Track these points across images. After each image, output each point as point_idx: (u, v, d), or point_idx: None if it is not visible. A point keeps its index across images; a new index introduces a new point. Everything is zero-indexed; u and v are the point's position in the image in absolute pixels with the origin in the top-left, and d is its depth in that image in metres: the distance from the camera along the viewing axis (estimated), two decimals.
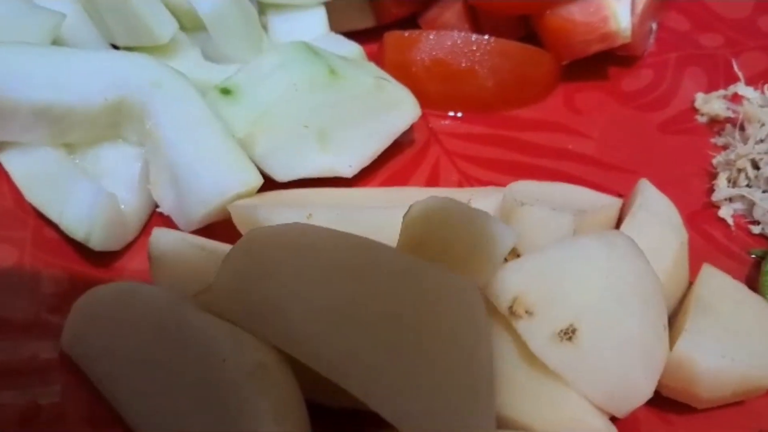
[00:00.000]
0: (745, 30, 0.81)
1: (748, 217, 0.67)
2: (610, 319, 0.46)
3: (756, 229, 0.66)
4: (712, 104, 0.73)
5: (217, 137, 0.59)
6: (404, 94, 0.66)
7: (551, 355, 0.45)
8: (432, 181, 0.69)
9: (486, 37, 0.72)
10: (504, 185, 0.65)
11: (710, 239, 0.66)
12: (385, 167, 0.69)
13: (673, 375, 0.49)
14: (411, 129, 0.71)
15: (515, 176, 0.68)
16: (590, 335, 0.45)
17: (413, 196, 0.50)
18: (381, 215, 0.54)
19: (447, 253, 0.46)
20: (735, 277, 0.59)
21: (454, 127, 0.74)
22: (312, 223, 0.52)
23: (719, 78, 0.77)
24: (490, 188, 0.64)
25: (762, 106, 0.69)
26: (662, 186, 0.68)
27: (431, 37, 0.72)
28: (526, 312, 0.45)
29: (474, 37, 0.72)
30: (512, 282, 0.46)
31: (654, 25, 0.81)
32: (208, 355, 0.42)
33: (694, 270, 0.58)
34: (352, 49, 0.70)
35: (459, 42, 0.72)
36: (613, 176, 0.69)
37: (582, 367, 0.45)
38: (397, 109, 0.66)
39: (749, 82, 0.76)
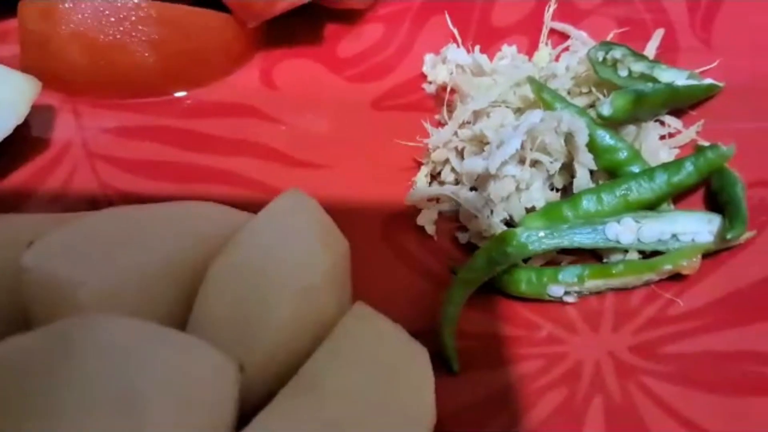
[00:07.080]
0: None
1: (456, 222, 0.51)
2: None
3: (463, 238, 0.50)
4: (438, 69, 0.57)
5: None
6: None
7: None
8: (61, 196, 0.53)
9: (136, 0, 0.56)
10: (146, 195, 0.51)
11: (404, 255, 0.50)
12: (6, 180, 0.54)
13: None
14: (50, 127, 0.57)
15: (167, 182, 0.53)
16: None
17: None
18: None
19: None
20: (433, 304, 0.45)
21: (107, 119, 0.57)
22: None
23: (469, 31, 0.61)
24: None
25: (476, 75, 0.52)
26: (358, 185, 0.54)
27: (68, 4, 0.56)
28: None
29: (123, 2, 0.56)
30: None
31: None
32: None
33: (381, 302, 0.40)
34: None
35: (103, 9, 0.56)
36: (297, 176, 0.54)
37: None
38: None
39: (501, 36, 0.59)
